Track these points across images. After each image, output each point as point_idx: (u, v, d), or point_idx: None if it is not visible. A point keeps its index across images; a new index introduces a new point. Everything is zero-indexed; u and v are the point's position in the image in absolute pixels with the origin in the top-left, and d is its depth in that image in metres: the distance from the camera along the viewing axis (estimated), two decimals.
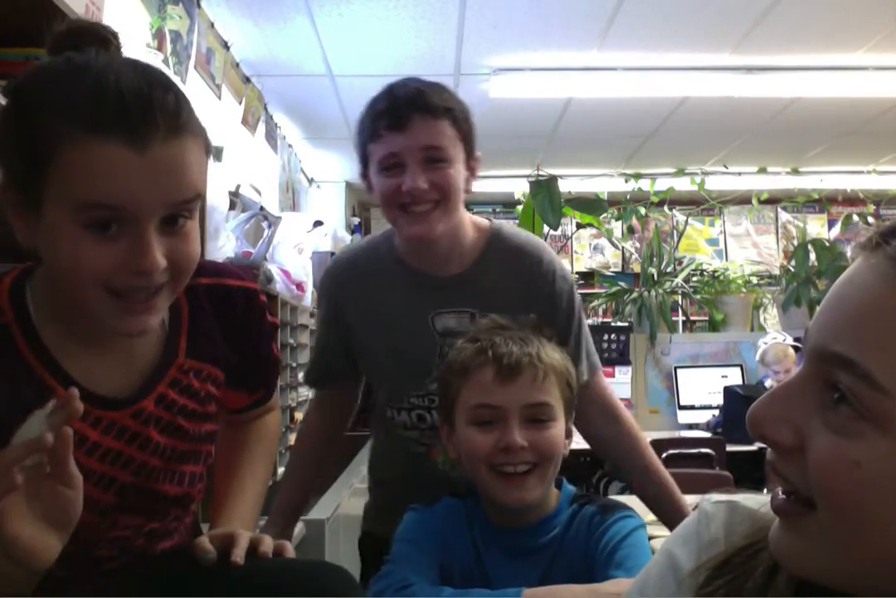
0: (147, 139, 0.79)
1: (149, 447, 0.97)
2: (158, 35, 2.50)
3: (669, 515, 1.39)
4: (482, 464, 1.16)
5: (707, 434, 4.03)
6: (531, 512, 1.19)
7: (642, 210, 5.47)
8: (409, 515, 1.24)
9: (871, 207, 6.04)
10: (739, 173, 5.47)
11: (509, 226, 1.50)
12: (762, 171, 5.43)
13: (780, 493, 0.51)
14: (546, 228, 4.04)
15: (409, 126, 1.28)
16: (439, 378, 1.27)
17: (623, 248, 6.40)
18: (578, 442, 1.36)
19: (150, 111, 0.80)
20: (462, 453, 1.20)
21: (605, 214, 5.19)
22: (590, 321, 4.66)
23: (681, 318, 5.44)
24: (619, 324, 4.54)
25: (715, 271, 5.10)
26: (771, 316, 5.10)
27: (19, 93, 0.85)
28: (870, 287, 0.46)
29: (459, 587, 1.13)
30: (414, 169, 1.29)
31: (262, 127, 3.87)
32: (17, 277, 0.94)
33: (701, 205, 5.82)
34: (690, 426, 4.34)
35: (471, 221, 1.42)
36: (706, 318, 5.18)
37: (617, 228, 6.11)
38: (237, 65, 3.38)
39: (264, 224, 3.21)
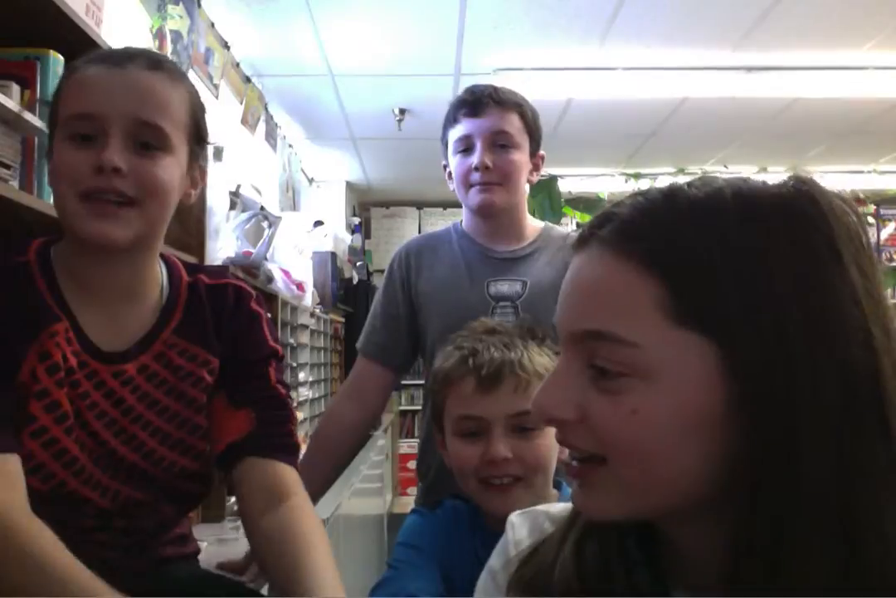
0: (125, 63, 0.98)
1: (122, 406, 1.03)
2: (159, 35, 2.50)
3: None
4: (470, 476, 1.14)
5: None
6: None
7: None
8: (413, 518, 1.23)
9: (872, 207, 6.04)
10: (739, 173, 5.45)
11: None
12: (762, 171, 5.42)
13: (573, 461, 0.58)
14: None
15: (481, 113, 1.51)
16: (429, 386, 1.28)
17: None
18: None
19: (136, 51, 1.01)
20: (452, 465, 1.19)
21: None
22: None
23: None
24: None
25: None
26: None
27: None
28: (594, 272, 0.56)
29: (462, 593, 1.12)
30: (482, 149, 1.51)
31: (262, 127, 3.87)
32: (47, 240, 1.06)
33: None
34: None
35: (529, 217, 1.67)
36: None
37: None
38: (237, 65, 3.38)
39: (264, 224, 3.21)
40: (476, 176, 1.51)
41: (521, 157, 1.54)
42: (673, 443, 0.53)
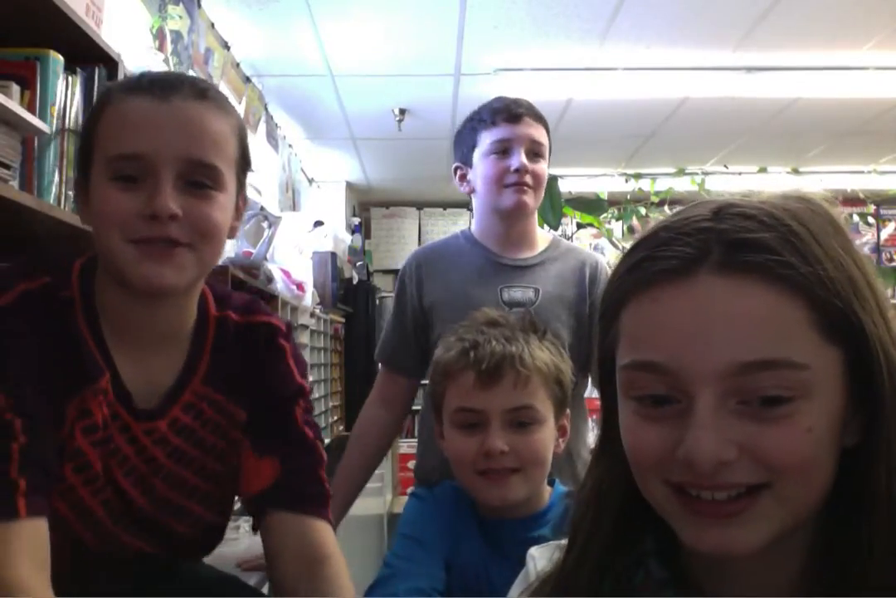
0: (171, 95, 0.90)
1: (153, 464, 0.98)
2: (159, 35, 2.50)
3: None
4: (467, 468, 1.15)
5: None
6: (519, 509, 1.17)
7: (643, 210, 5.48)
8: (412, 504, 1.24)
9: (871, 207, 6.04)
10: (739, 173, 5.47)
11: None
12: (762, 171, 5.42)
13: (722, 498, 0.55)
14: (547, 228, 4.04)
15: (520, 120, 1.60)
16: (430, 377, 1.29)
17: (623, 248, 6.38)
18: None
19: (178, 79, 0.95)
20: (448, 455, 1.20)
21: (605, 214, 5.21)
22: None
23: None
24: None
25: None
26: None
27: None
28: (746, 302, 0.54)
29: (466, 580, 1.12)
30: (521, 154, 1.58)
31: (262, 127, 3.86)
32: (88, 259, 1.00)
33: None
34: None
35: (539, 228, 1.75)
36: None
37: (617, 228, 6.11)
38: (237, 65, 3.38)
39: (264, 224, 3.21)
40: (514, 177, 1.58)
41: (546, 167, 1.65)
42: (827, 453, 0.55)
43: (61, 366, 0.91)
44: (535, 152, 1.61)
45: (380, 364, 1.79)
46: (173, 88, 0.91)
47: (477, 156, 1.63)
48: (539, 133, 1.62)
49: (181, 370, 1.00)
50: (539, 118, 1.64)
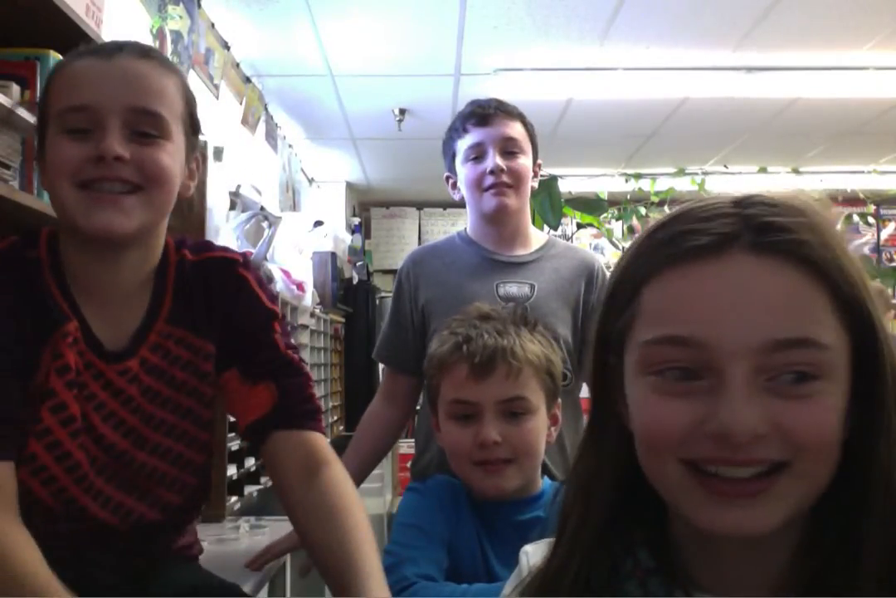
0: (115, 54, 0.97)
1: (130, 405, 1.02)
2: (159, 35, 2.50)
3: None
4: (463, 458, 1.19)
5: None
6: (513, 495, 1.21)
7: (643, 210, 5.48)
8: (409, 496, 1.27)
9: (871, 207, 6.04)
10: (739, 173, 5.47)
11: None
12: (762, 171, 5.42)
13: (744, 476, 0.56)
14: (546, 229, 4.04)
15: (490, 122, 1.60)
16: (425, 370, 1.32)
17: (623, 248, 6.39)
18: None
19: (125, 43, 1.00)
20: (445, 447, 1.24)
21: (605, 214, 5.21)
22: None
23: None
24: None
25: None
26: None
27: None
28: (780, 282, 0.56)
29: (467, 567, 1.16)
30: (495, 154, 1.58)
31: (262, 127, 3.87)
32: (54, 231, 1.04)
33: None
34: None
35: (532, 225, 1.75)
36: None
37: (617, 228, 6.12)
38: (237, 65, 3.38)
39: (264, 224, 3.21)
40: (490, 179, 1.59)
41: (528, 162, 1.63)
42: (839, 436, 0.57)
43: (30, 316, 0.96)
44: (509, 150, 1.60)
45: (381, 384, 1.82)
46: (117, 48, 0.98)
47: (458, 164, 1.66)
48: (512, 129, 1.61)
49: (145, 313, 1.04)
50: (511, 114, 1.63)
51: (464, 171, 1.64)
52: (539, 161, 1.70)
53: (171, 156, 0.97)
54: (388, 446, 1.77)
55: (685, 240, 0.58)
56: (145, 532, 1.04)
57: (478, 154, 1.61)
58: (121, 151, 0.92)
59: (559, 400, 1.26)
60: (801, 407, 0.55)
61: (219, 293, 1.08)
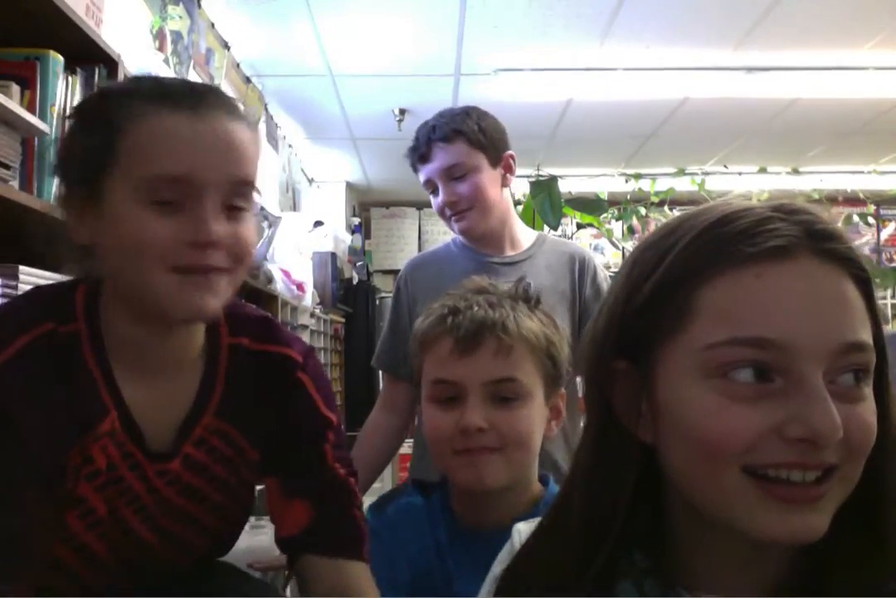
0: (210, 112, 0.84)
1: (165, 504, 0.94)
2: (159, 35, 2.50)
3: None
4: (443, 446, 1.02)
5: None
6: (503, 509, 1.03)
7: (643, 210, 5.47)
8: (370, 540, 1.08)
9: (872, 207, 6.04)
10: (739, 173, 5.47)
11: None
12: (762, 171, 5.42)
13: (811, 479, 0.55)
14: (546, 229, 4.04)
15: (429, 157, 1.64)
16: (411, 351, 1.18)
17: (623, 248, 6.39)
18: None
19: (212, 92, 0.88)
20: (425, 434, 1.08)
21: (605, 215, 5.19)
22: None
23: None
24: None
25: None
26: None
27: (83, 105, 0.93)
28: (837, 286, 0.57)
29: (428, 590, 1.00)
30: (442, 187, 1.63)
31: (262, 127, 3.87)
32: (91, 286, 0.92)
33: (701, 205, 5.81)
34: None
35: (521, 224, 1.77)
36: None
37: (617, 228, 6.11)
38: (238, 65, 3.38)
39: (265, 224, 3.21)
40: (448, 211, 1.65)
41: (482, 176, 1.63)
42: None
43: (62, 412, 0.86)
44: (455, 176, 1.63)
45: (381, 392, 1.81)
46: (210, 103, 0.85)
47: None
48: (452, 155, 1.62)
49: (194, 402, 0.94)
50: (447, 138, 1.62)
51: (431, 202, 1.71)
52: (508, 152, 1.69)
53: (252, 227, 0.89)
54: (390, 456, 1.75)
55: (754, 240, 0.56)
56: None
57: (432, 188, 1.67)
58: (222, 235, 0.83)
59: (563, 390, 1.10)
60: (858, 410, 0.56)
61: (272, 394, 0.98)
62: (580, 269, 1.69)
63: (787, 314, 0.55)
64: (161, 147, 0.82)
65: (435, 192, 1.67)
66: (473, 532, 1.04)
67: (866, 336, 0.57)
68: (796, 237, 0.57)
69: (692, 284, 0.58)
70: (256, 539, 1.80)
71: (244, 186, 0.86)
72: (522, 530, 0.74)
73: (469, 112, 1.68)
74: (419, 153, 1.66)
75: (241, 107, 0.90)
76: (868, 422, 0.56)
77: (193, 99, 0.85)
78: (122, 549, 0.92)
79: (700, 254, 0.58)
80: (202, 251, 0.82)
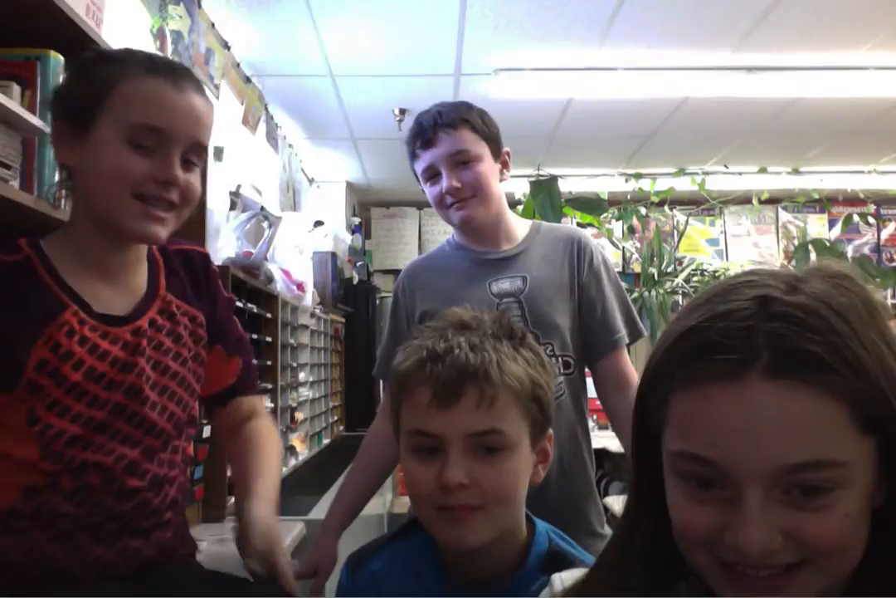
0: (185, 85, 1.09)
1: (146, 357, 1.13)
2: (159, 35, 2.50)
3: None
4: (424, 502, 0.97)
5: None
6: (492, 559, 1.00)
7: (643, 210, 5.48)
8: (340, 583, 1.08)
9: (872, 207, 6.05)
10: (740, 173, 5.47)
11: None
12: (762, 171, 5.42)
13: (765, 574, 0.59)
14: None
15: (434, 142, 1.61)
16: (388, 388, 1.15)
17: (623, 248, 6.40)
18: None
19: (187, 71, 1.13)
20: (406, 486, 1.01)
21: (605, 214, 5.20)
22: None
23: None
24: None
25: (715, 271, 5.10)
26: None
27: (84, 60, 1.13)
28: (794, 406, 0.57)
29: None
30: (447, 173, 1.61)
31: (262, 127, 3.87)
32: (31, 238, 1.12)
33: (701, 205, 5.82)
34: None
35: (514, 216, 1.75)
36: None
37: (617, 228, 6.11)
38: (238, 65, 3.38)
39: (265, 224, 3.21)
40: (449, 198, 1.62)
41: (485, 166, 1.63)
42: (861, 528, 0.60)
43: (20, 317, 1.03)
44: (461, 162, 1.60)
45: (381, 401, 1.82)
46: (185, 79, 1.11)
47: (421, 184, 1.70)
48: (458, 141, 1.60)
49: (147, 284, 1.18)
50: (454, 124, 1.61)
51: (426, 191, 1.67)
52: (505, 149, 1.69)
53: (198, 180, 1.14)
54: (391, 466, 1.73)
55: (705, 359, 0.59)
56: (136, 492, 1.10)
57: (432, 175, 1.63)
58: (180, 178, 1.08)
59: (550, 432, 1.04)
60: (814, 518, 0.57)
61: (198, 278, 1.26)
62: (578, 251, 1.68)
63: (727, 437, 0.58)
64: (147, 103, 1.07)
65: (434, 179, 1.63)
66: (464, 581, 1.02)
67: (827, 453, 0.57)
68: (751, 354, 0.58)
69: (665, 392, 0.63)
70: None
71: (200, 146, 1.11)
72: (564, 576, 0.77)
73: (470, 105, 1.69)
74: (424, 138, 1.62)
75: (206, 89, 1.17)
76: (826, 529, 0.57)
77: (175, 73, 1.10)
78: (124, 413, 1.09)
79: (671, 364, 0.62)
80: (164, 186, 1.07)
